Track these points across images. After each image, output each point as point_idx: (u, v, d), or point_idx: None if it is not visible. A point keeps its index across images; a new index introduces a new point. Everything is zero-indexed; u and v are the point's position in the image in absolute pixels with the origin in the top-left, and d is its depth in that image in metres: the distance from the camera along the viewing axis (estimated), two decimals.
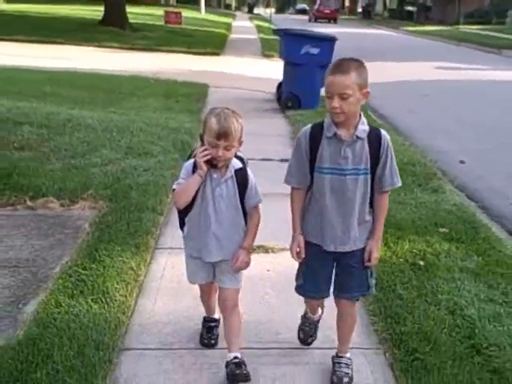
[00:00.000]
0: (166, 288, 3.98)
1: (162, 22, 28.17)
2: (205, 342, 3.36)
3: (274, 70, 14.26)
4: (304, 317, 3.37)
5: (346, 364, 3.14)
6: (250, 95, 11.85)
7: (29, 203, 5.29)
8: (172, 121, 8.27)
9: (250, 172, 2.99)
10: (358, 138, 2.76)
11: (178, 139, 7.25)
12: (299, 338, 3.40)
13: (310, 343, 3.40)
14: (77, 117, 7.71)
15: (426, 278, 4.13)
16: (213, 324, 3.42)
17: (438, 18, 48.51)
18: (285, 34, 10.54)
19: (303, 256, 2.93)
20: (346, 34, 27.60)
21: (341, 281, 2.99)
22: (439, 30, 37.39)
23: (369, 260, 2.91)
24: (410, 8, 55.38)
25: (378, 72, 16.82)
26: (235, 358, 3.03)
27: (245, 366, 3.01)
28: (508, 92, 14.33)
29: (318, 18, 52.63)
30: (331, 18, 52.92)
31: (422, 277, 4.16)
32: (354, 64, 2.70)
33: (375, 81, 15.16)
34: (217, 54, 19.37)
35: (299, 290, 3.10)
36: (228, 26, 33.37)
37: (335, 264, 2.97)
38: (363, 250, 2.91)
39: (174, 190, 2.94)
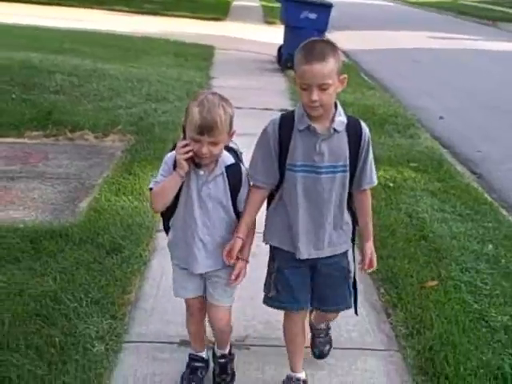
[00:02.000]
0: None
1: None
2: None
3: (275, 35, 15.11)
4: (287, 378, 2.87)
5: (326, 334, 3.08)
6: (252, 57, 12.81)
7: (68, 135, 6.34)
8: (184, 75, 9.30)
9: (243, 168, 2.57)
10: (335, 131, 2.43)
11: (191, 89, 8.28)
12: None
13: None
14: (101, 68, 8.76)
15: (392, 194, 5.23)
16: (199, 365, 2.90)
17: None
18: (286, 0, 11.47)
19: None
20: (345, 3, 28.35)
21: (321, 292, 2.66)
22: (439, 1, 37.97)
23: (370, 265, 2.67)
24: None
25: (375, 40, 17.86)
26: (222, 356, 2.90)
27: (231, 364, 2.90)
28: (493, 60, 15.33)
29: None
30: None
31: (389, 193, 5.26)
32: (328, 47, 2.36)
33: (371, 48, 16.10)
34: (221, 20, 20.13)
35: (272, 302, 2.69)
36: None
37: (312, 272, 2.63)
38: (343, 254, 2.64)
39: (150, 189, 2.52)
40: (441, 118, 9.00)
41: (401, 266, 3.93)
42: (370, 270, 2.70)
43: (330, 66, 2.30)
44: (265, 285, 2.70)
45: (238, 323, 3.13)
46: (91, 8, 19.32)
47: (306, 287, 2.64)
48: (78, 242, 3.96)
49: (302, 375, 2.86)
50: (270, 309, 2.73)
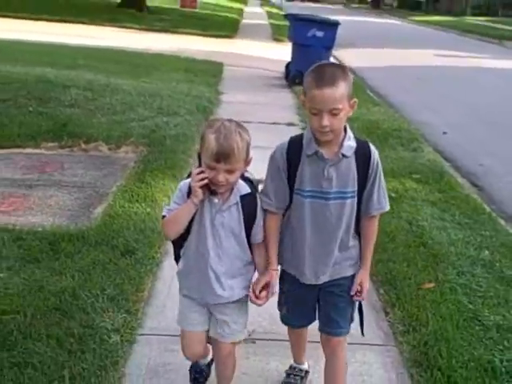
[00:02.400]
0: None
1: (177, 6, 29.38)
2: None
3: (283, 52, 15.44)
4: (290, 368, 3.08)
5: None
6: (261, 73, 13.11)
7: (83, 146, 6.60)
8: (194, 90, 9.57)
9: (259, 198, 2.53)
10: (343, 156, 2.41)
11: (201, 104, 8.57)
12: None
13: None
14: (114, 83, 9.05)
15: (394, 203, 5.40)
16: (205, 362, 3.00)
17: (445, 8, 49.42)
18: (294, 19, 11.82)
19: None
20: (353, 22, 28.81)
21: (325, 313, 2.67)
22: (445, 20, 38.38)
23: (360, 292, 2.59)
24: None
25: (381, 57, 18.14)
26: None
27: None
28: (497, 77, 15.60)
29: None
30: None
31: (391, 202, 5.32)
32: (338, 71, 2.34)
33: (377, 65, 16.43)
34: (230, 37, 20.54)
35: (282, 318, 2.85)
36: (240, 12, 34.51)
37: (319, 293, 2.65)
38: (349, 278, 2.60)
39: (163, 217, 2.50)
40: (444, 133, 9.20)
41: (400, 269, 4.14)
42: (356, 299, 2.63)
43: (340, 90, 2.28)
44: (278, 300, 2.78)
45: None
46: (103, 25, 19.75)
47: (312, 310, 2.71)
48: (94, 244, 4.20)
49: (304, 366, 3.09)
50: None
